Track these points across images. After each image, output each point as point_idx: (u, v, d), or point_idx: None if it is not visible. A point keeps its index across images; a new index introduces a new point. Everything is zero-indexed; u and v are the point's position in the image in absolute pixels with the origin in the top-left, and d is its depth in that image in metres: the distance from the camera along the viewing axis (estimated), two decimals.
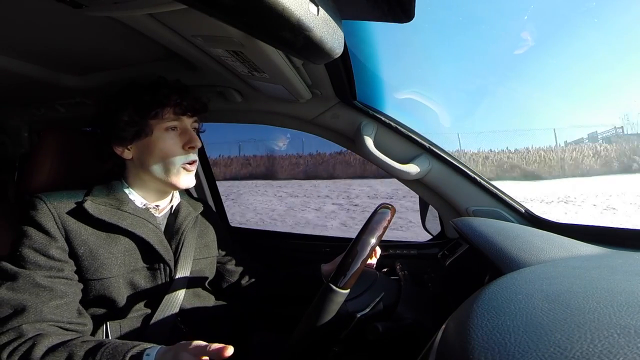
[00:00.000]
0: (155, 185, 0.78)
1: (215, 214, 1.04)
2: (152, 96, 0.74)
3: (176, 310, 0.75)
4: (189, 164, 0.77)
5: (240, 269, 0.96)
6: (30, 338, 0.57)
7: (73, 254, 0.66)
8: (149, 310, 0.73)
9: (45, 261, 0.63)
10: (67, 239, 0.66)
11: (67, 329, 0.63)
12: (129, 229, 0.70)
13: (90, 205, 0.69)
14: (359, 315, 0.66)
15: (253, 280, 0.96)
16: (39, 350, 0.56)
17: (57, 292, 0.62)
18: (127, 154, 0.75)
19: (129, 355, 0.54)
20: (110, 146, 0.75)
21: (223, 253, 0.94)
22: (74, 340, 0.59)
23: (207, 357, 0.51)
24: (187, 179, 0.77)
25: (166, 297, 0.74)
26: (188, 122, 0.78)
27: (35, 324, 0.59)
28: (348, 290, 0.56)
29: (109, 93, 0.78)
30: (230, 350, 0.50)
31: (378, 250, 0.94)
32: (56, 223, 0.66)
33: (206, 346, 0.52)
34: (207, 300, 0.85)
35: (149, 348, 0.56)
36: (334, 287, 0.55)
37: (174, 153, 0.75)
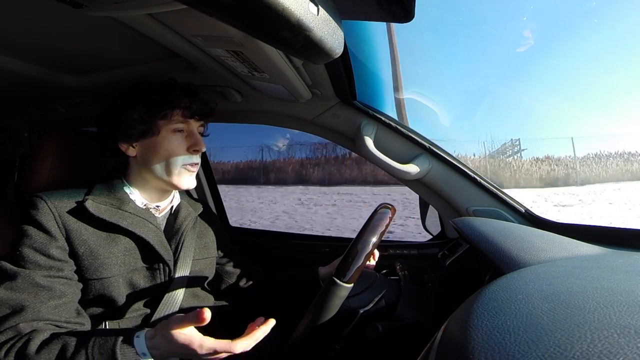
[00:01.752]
0: (156, 185, 0.78)
1: (214, 215, 1.04)
2: (163, 97, 0.74)
3: (175, 310, 0.75)
4: (191, 165, 0.77)
5: (238, 270, 0.96)
6: (26, 334, 0.58)
7: (73, 254, 0.66)
8: (148, 310, 0.73)
9: (45, 261, 0.63)
10: (68, 239, 0.66)
11: (64, 328, 0.63)
12: (130, 229, 0.70)
13: (91, 205, 0.69)
14: (361, 312, 0.67)
15: (251, 282, 0.96)
16: (34, 345, 0.56)
17: (56, 291, 0.62)
18: (132, 152, 0.76)
19: (119, 339, 0.56)
20: (115, 142, 0.75)
21: (222, 254, 0.94)
22: (67, 333, 0.60)
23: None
24: (188, 180, 0.77)
25: (165, 297, 0.74)
26: (195, 125, 0.79)
27: (32, 322, 0.59)
28: (352, 285, 0.56)
29: (111, 92, 0.79)
30: (207, 313, 0.53)
31: (376, 253, 0.94)
32: (57, 222, 0.66)
33: (185, 316, 0.55)
34: (206, 300, 0.85)
35: (138, 331, 0.58)
36: (338, 281, 0.55)
37: (177, 154, 0.75)
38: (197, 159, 0.78)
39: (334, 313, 0.56)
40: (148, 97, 0.74)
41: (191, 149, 0.76)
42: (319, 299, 0.56)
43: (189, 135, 0.77)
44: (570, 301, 0.34)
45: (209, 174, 1.45)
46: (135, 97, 0.75)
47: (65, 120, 1.25)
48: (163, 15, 0.57)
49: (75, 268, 0.67)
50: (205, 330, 0.79)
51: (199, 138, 0.78)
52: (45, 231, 0.65)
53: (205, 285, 0.87)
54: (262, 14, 0.37)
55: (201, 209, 0.90)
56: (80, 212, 0.69)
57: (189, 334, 0.56)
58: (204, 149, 0.78)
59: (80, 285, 0.67)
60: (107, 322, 0.69)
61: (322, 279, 0.90)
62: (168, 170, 0.75)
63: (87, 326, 0.67)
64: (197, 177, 1.36)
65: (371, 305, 0.69)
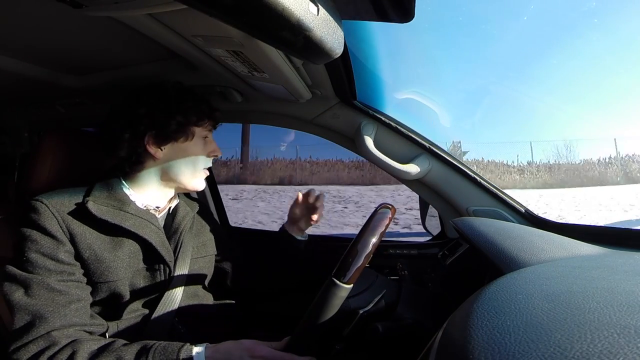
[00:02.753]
0: (166, 188, 0.81)
1: (211, 213, 1.04)
2: (205, 106, 0.81)
3: (174, 309, 0.75)
4: (208, 169, 0.85)
5: (237, 267, 0.96)
6: (67, 345, 0.57)
7: (79, 257, 0.66)
8: (147, 311, 0.73)
9: (55, 265, 0.62)
10: (72, 242, 0.66)
11: (91, 332, 0.63)
12: (133, 230, 0.70)
13: (93, 206, 0.68)
14: (361, 312, 0.67)
15: (251, 279, 0.96)
16: (81, 357, 0.56)
17: (72, 295, 0.62)
18: (159, 154, 0.76)
19: (182, 352, 0.58)
20: (142, 143, 0.74)
21: (220, 252, 0.94)
22: (114, 344, 0.60)
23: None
24: (202, 183, 0.85)
25: (164, 297, 0.74)
26: (211, 133, 0.86)
27: (63, 330, 0.59)
28: (351, 286, 0.56)
29: (121, 92, 0.80)
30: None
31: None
32: (60, 227, 0.65)
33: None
34: (205, 299, 0.85)
35: (198, 346, 0.60)
36: (338, 282, 0.55)
37: (200, 158, 0.82)
38: (211, 163, 0.86)
39: (334, 313, 0.56)
40: (194, 105, 0.79)
41: (211, 154, 0.84)
42: (319, 299, 0.56)
43: (210, 142, 0.85)
44: (570, 301, 0.34)
45: (209, 174, 1.44)
46: (182, 103, 0.77)
47: (65, 120, 1.25)
48: (163, 15, 0.57)
49: (83, 271, 0.67)
50: (204, 329, 0.80)
51: (216, 145, 0.86)
52: (51, 236, 0.64)
53: (205, 284, 0.87)
54: (262, 14, 0.37)
55: (197, 208, 0.90)
56: (81, 214, 0.68)
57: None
58: (220, 155, 0.86)
59: (90, 288, 0.67)
60: (106, 323, 0.69)
61: (285, 230, 0.96)
62: (192, 173, 0.80)
63: (103, 327, 0.67)
64: None
65: (371, 305, 0.69)
